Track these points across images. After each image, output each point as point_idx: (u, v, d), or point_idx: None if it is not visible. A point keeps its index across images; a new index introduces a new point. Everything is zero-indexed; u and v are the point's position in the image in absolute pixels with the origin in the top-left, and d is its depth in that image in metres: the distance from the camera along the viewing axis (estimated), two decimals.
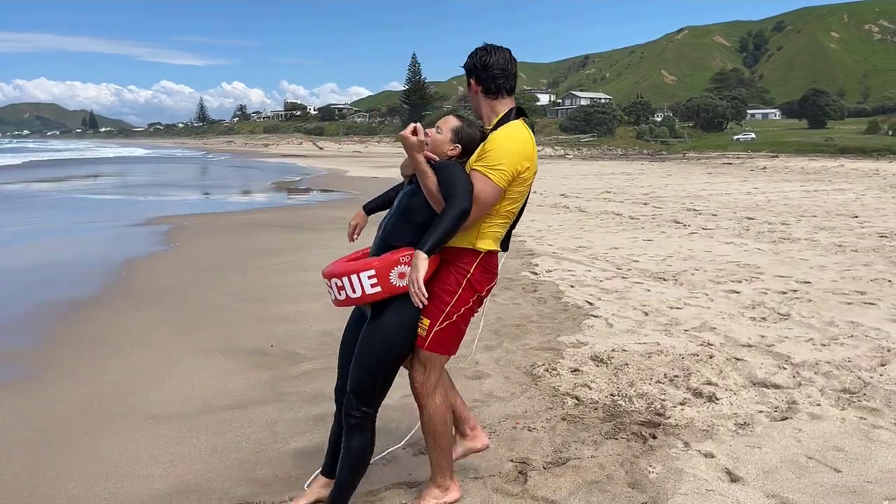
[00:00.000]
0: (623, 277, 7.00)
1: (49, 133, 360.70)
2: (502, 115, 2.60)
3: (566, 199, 16.30)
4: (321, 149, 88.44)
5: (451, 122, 2.63)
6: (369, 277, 2.47)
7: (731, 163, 37.99)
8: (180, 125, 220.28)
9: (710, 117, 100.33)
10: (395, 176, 25.57)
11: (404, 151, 2.51)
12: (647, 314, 5.57)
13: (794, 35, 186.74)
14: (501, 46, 2.66)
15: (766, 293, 6.11)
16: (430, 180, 2.47)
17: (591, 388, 3.95)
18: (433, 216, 2.46)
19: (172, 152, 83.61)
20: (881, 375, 3.99)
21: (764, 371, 4.11)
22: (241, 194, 22.20)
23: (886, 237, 9.19)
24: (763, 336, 4.83)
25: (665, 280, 6.83)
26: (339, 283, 2.53)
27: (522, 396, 3.89)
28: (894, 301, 5.70)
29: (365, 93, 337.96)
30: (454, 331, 2.61)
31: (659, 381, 4.02)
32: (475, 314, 2.68)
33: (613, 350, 4.61)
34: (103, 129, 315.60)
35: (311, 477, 2.93)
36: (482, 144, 2.54)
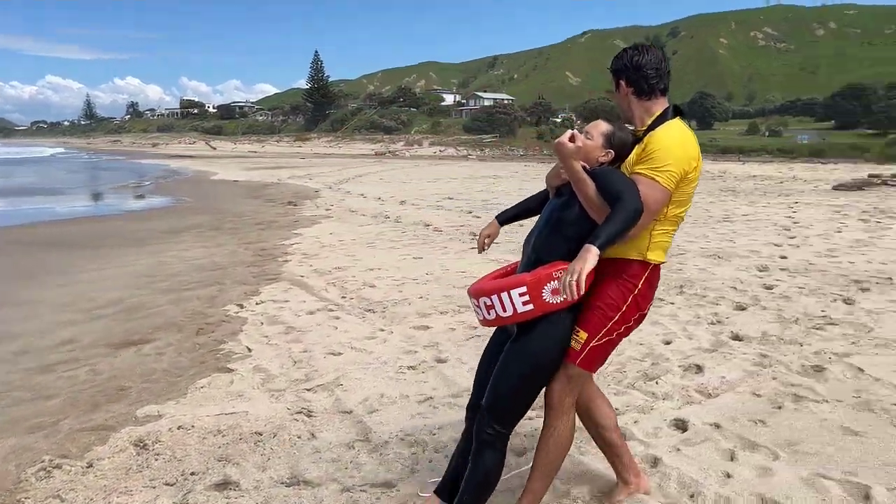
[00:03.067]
0: (331, 310, 6.13)
1: None
2: (658, 115, 2.49)
3: (400, 206, 15.50)
4: (214, 149, 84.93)
5: (601, 127, 2.51)
6: (521, 295, 2.34)
7: None
8: (66, 123, 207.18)
9: (608, 118, 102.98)
10: (264, 179, 24.24)
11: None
12: (295, 362, 4.69)
13: (688, 40, 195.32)
14: (652, 45, 2.59)
15: (456, 329, 5.35)
16: (591, 188, 2.35)
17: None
18: (589, 229, 2.32)
19: (39, 151, 78.20)
20: None
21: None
22: (57, 201, 20.09)
23: None
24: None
25: (373, 312, 6.00)
26: (489, 302, 2.40)
27: None
28: None
29: (272, 90, 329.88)
30: (609, 349, 2.50)
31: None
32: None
33: (180, 427, 3.68)
34: None
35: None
36: (642, 146, 2.41)
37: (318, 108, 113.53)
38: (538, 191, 2.85)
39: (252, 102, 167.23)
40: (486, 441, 2.45)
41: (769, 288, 6.50)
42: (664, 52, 2.59)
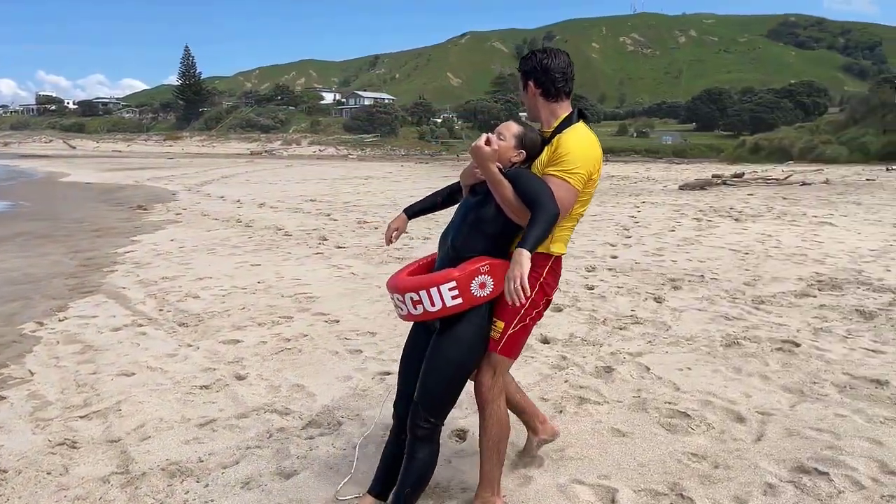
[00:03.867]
0: (140, 325, 5.70)
1: None
2: (563, 117, 2.63)
3: (258, 209, 14.94)
4: (74, 148, 79.30)
5: (513, 129, 2.62)
6: (450, 289, 2.44)
7: None
8: None
9: (487, 119, 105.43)
10: (120, 181, 22.44)
11: (471, 160, 2.57)
12: (79, 386, 4.30)
13: (563, 44, 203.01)
14: (560, 50, 2.70)
15: (266, 342, 5.13)
16: (508, 189, 2.48)
17: None
18: (506, 225, 2.52)
19: None
20: None
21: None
22: None
23: None
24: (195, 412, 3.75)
25: (186, 326, 5.63)
26: (416, 298, 2.47)
27: None
28: None
29: (141, 86, 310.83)
30: (524, 334, 2.65)
31: None
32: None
33: None
34: None
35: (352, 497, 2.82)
36: (553, 148, 2.56)
37: (191, 106, 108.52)
38: (442, 187, 3.00)
39: (118, 99, 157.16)
40: (421, 436, 2.53)
41: (591, 288, 6.73)
42: (570, 57, 2.70)
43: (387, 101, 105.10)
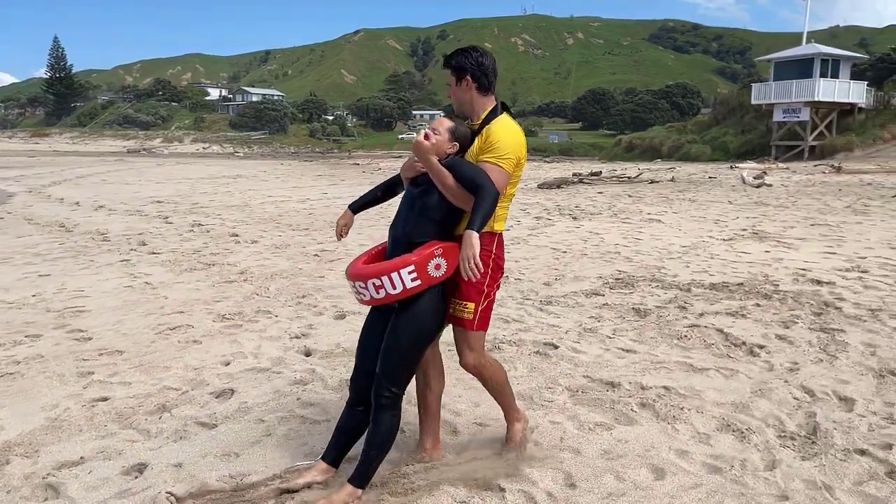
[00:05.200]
0: None
1: None
2: (489, 110, 2.95)
3: (93, 211, 13.88)
4: None
5: (446, 123, 2.91)
6: (409, 273, 2.71)
7: (358, 163, 38.80)
8: None
9: (379, 117, 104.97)
10: None
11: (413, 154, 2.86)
12: None
13: (456, 43, 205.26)
14: (484, 49, 3.04)
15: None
16: (449, 178, 2.79)
17: None
18: (450, 211, 2.85)
19: None
20: None
21: None
22: None
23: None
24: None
25: None
26: (378, 283, 2.73)
27: None
28: None
29: (9, 80, 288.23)
30: (490, 307, 3.01)
31: None
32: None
33: None
34: None
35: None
36: (483, 138, 2.88)
37: (62, 101, 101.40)
38: (381, 182, 3.25)
39: None
40: (384, 405, 2.82)
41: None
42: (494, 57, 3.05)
43: (276, 97, 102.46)
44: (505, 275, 7.25)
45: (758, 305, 5.91)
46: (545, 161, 39.37)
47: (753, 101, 36.31)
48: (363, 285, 2.78)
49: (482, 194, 2.68)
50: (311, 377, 4.30)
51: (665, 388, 4.05)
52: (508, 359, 4.58)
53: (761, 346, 4.79)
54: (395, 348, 2.81)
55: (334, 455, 2.98)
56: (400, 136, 79.88)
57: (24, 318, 5.82)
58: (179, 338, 5.17)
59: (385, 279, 2.72)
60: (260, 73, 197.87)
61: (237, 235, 10.47)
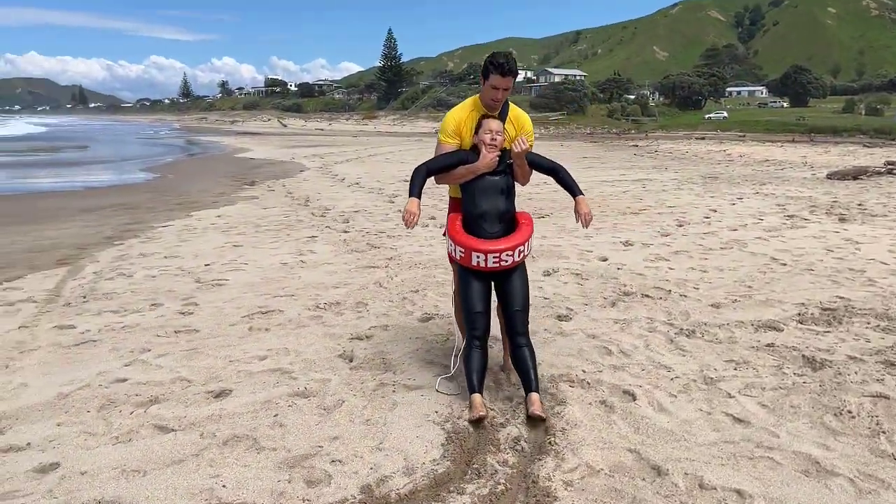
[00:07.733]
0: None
1: (39, 108, 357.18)
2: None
3: (346, 188, 15.08)
4: (285, 126, 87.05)
5: (499, 125, 3.63)
6: (531, 240, 3.63)
7: (638, 148, 36.44)
8: (166, 101, 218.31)
9: (687, 94, 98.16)
10: (278, 157, 24.07)
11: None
12: None
13: (791, 10, 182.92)
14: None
15: None
16: (527, 166, 3.66)
17: None
18: (514, 189, 3.71)
19: (126, 126, 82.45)
20: None
21: None
22: (56, 174, 20.76)
23: None
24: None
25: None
26: (522, 249, 3.54)
27: None
28: None
29: (355, 68, 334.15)
30: None
31: None
32: None
33: None
34: (92, 105, 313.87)
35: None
36: (520, 125, 3.75)
37: (391, 86, 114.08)
38: (421, 175, 3.61)
39: (333, 81, 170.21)
40: (524, 331, 3.58)
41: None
42: None
43: (577, 77, 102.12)
44: (668, 290, 5.88)
45: None
46: (863, 146, 32.65)
47: None
48: (510, 253, 3.48)
49: (564, 170, 3.70)
50: (318, 389, 3.78)
51: (738, 492, 2.68)
52: (561, 400, 3.52)
53: None
54: (523, 294, 3.59)
55: (480, 387, 3.48)
56: (707, 116, 73.67)
57: (169, 286, 6.25)
58: (256, 324, 5.03)
59: (527, 245, 3.57)
60: (569, 53, 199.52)
61: (434, 218, 10.29)
